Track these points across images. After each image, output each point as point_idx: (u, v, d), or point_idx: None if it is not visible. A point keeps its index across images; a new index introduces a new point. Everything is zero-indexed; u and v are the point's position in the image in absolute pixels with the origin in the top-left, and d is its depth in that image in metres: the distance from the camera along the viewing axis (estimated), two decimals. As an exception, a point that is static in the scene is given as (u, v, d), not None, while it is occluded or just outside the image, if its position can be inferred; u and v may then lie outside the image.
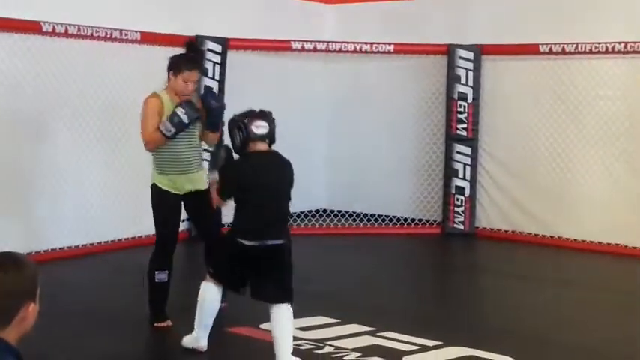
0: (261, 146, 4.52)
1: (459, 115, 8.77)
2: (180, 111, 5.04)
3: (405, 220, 9.25)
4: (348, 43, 8.87)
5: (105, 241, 7.61)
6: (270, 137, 4.54)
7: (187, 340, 4.73)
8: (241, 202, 4.51)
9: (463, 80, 8.75)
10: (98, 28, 7.21)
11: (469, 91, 8.75)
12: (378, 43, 8.80)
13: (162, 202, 5.22)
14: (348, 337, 5.11)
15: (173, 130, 5.02)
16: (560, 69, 8.31)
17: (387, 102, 9.40)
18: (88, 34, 7.14)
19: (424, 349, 4.94)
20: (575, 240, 8.25)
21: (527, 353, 4.92)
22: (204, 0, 8.44)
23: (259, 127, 4.47)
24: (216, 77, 8.25)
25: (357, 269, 7.35)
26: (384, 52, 8.84)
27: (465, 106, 8.76)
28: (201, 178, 5.27)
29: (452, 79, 8.78)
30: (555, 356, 4.99)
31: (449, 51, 8.76)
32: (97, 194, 7.55)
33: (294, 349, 4.50)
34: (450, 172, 8.87)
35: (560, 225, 8.39)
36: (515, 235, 8.67)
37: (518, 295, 6.50)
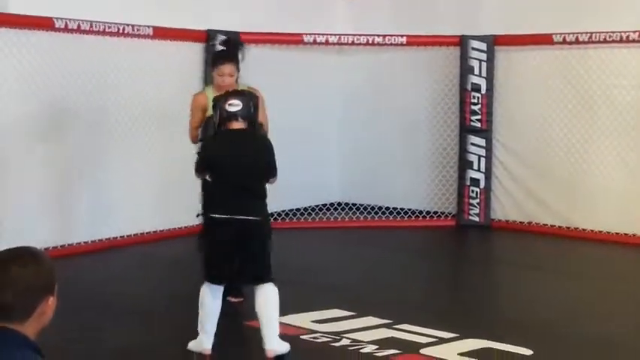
0: (236, 124, 4.51)
1: (473, 107, 8.73)
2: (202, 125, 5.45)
3: (420, 212, 9.22)
4: (360, 35, 8.85)
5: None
6: (246, 116, 4.52)
7: (192, 345, 4.65)
8: (213, 179, 4.61)
9: (476, 71, 8.71)
10: (110, 23, 7.22)
11: (482, 82, 8.71)
12: (391, 35, 8.78)
13: None
14: (364, 330, 5.10)
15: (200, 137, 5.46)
16: (574, 59, 8.25)
17: (400, 94, 9.37)
18: (101, 29, 7.15)
19: (441, 341, 4.93)
20: (590, 231, 8.21)
21: (543, 345, 4.90)
22: (216, -6, 8.44)
23: (232, 105, 4.50)
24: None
25: (371, 262, 7.34)
26: (396, 45, 8.80)
27: (478, 97, 8.72)
28: None
29: (465, 70, 8.74)
30: (571, 347, 4.96)
31: (462, 42, 8.72)
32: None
33: (311, 341, 4.49)
34: (464, 164, 8.84)
35: (575, 216, 8.34)
36: (530, 227, 8.63)
37: (534, 287, 6.47)
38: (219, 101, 4.57)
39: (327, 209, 9.23)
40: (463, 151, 8.84)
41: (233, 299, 5.50)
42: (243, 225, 4.42)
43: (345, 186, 9.72)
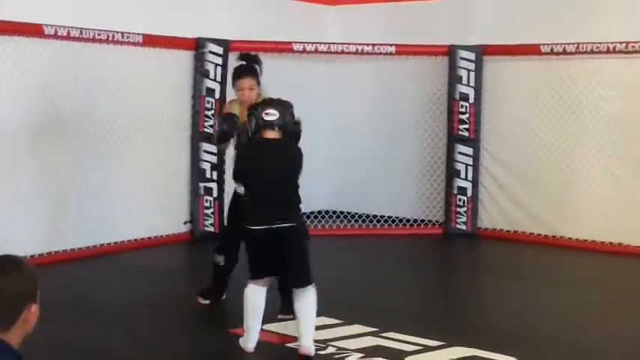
0: (270, 134, 4.63)
1: (461, 116, 8.77)
2: (216, 124, 5.59)
3: (408, 220, 9.25)
4: (349, 44, 8.88)
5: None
6: (282, 126, 4.65)
7: (241, 340, 4.83)
8: (248, 188, 4.75)
9: (465, 81, 8.75)
10: (100, 30, 7.23)
11: (471, 92, 8.75)
12: (380, 45, 8.82)
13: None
14: (351, 338, 5.11)
15: (215, 137, 5.63)
16: (562, 69, 8.31)
17: (388, 103, 9.41)
18: (90, 36, 7.16)
19: (427, 349, 4.94)
20: (577, 240, 8.25)
21: (530, 353, 4.92)
22: (205, 2, 8.45)
23: (269, 115, 4.62)
24: (218, 79, 8.26)
25: (359, 270, 7.35)
26: (385, 54, 8.84)
27: (466, 107, 8.76)
28: None
29: (453, 79, 8.78)
30: (558, 356, 4.98)
31: (450, 52, 8.76)
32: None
33: (297, 349, 4.51)
34: (452, 173, 8.87)
35: (562, 225, 8.38)
36: (517, 235, 8.66)
37: (521, 295, 6.49)
38: (256, 109, 4.66)
39: (314, 217, 9.24)
40: (451, 159, 8.87)
41: (282, 316, 5.44)
42: (282, 232, 4.55)
43: (333, 194, 9.73)
